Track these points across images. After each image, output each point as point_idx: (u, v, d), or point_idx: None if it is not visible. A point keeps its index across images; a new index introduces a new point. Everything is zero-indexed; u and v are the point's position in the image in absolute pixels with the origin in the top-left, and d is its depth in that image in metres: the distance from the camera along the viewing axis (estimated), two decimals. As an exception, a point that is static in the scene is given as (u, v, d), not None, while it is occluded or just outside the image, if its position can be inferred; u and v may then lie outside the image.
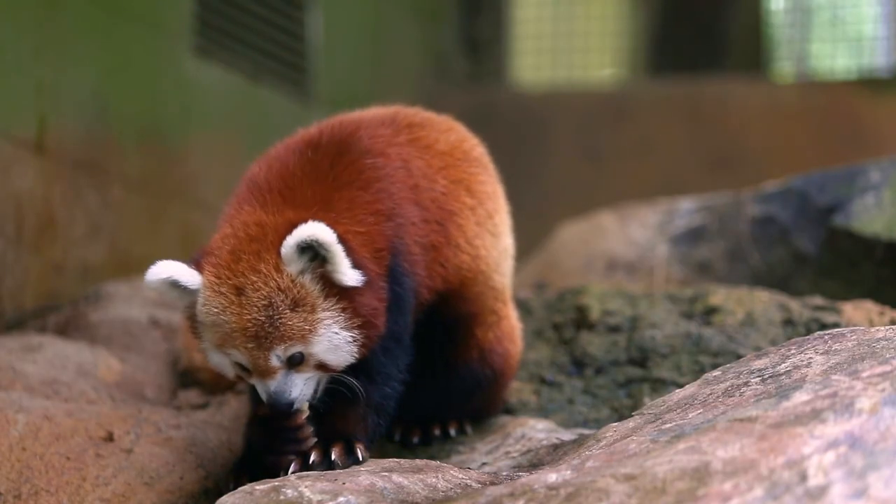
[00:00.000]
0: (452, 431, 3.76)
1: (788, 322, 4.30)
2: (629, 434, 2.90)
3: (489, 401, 3.85)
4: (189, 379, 4.31)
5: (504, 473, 3.26)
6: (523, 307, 4.52)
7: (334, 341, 3.14)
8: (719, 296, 4.45)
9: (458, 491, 2.96)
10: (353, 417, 3.29)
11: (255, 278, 3.12)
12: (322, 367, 3.15)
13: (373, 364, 3.30)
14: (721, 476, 2.38)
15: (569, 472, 2.66)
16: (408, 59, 8.86)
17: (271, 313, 3.10)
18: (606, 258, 5.95)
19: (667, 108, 8.82)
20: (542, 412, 4.09)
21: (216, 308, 3.13)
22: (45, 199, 5.27)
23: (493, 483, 3.03)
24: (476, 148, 3.76)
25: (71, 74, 5.46)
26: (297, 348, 3.11)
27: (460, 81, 9.38)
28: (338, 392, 3.28)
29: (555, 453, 3.41)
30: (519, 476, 3.06)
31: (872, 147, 7.65)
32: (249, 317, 3.10)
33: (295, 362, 3.13)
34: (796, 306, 4.36)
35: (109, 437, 3.55)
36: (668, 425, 2.80)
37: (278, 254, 3.11)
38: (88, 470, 3.46)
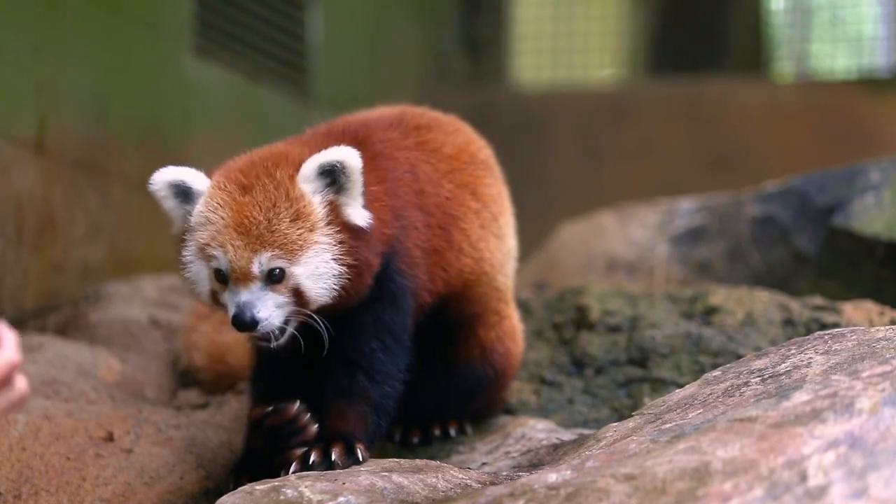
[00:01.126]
0: (452, 431, 3.76)
1: (788, 322, 4.30)
2: (629, 434, 2.90)
3: (490, 400, 3.85)
4: (189, 379, 4.31)
5: (504, 473, 3.26)
6: (523, 307, 4.52)
7: (320, 269, 3.11)
8: (719, 296, 4.44)
9: (458, 491, 2.96)
10: (353, 417, 3.29)
11: (266, 180, 3.13)
12: (298, 294, 3.10)
13: (373, 363, 3.31)
14: (721, 476, 2.38)
15: (569, 472, 2.66)
16: (408, 59, 8.85)
17: (271, 216, 3.09)
18: (606, 258, 5.95)
19: (667, 108, 8.82)
20: (542, 412, 4.09)
21: (217, 203, 3.13)
22: (45, 199, 5.27)
23: (493, 483, 3.03)
24: (483, 150, 3.76)
25: (71, 74, 5.46)
26: (281, 262, 3.08)
27: (460, 81, 9.38)
28: (337, 392, 3.28)
29: (555, 453, 3.41)
30: (519, 476, 3.06)
31: (872, 147, 7.65)
32: (248, 213, 3.09)
33: (274, 279, 3.08)
34: (796, 306, 4.36)
35: (109, 437, 3.55)
36: (668, 425, 2.80)
37: (297, 169, 3.13)
38: (88, 470, 3.46)
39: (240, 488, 2.91)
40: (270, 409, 3.23)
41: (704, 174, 8.41)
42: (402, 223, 3.35)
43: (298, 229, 3.10)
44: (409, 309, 3.38)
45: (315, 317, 3.13)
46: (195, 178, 3.20)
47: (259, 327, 3.07)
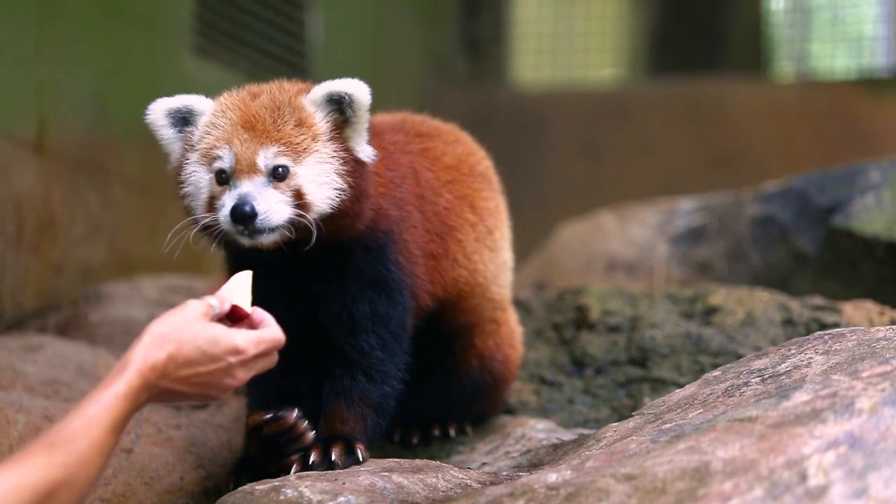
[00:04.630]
0: (452, 432, 3.77)
1: (788, 322, 4.30)
2: (629, 434, 2.90)
3: (490, 404, 3.86)
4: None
5: (504, 473, 3.26)
6: (523, 307, 4.52)
7: (322, 176, 3.12)
8: (719, 296, 4.45)
9: (458, 491, 2.96)
10: (353, 418, 3.28)
11: (275, 88, 3.19)
12: (299, 196, 3.09)
13: (372, 362, 3.30)
14: (721, 476, 2.38)
15: (569, 472, 2.66)
16: (408, 59, 8.86)
17: (276, 117, 3.12)
18: (606, 258, 5.95)
19: (667, 107, 8.83)
20: (542, 412, 4.09)
21: (224, 107, 3.17)
22: (45, 199, 5.27)
23: (493, 483, 3.03)
24: (482, 162, 3.77)
25: (71, 74, 5.46)
26: (285, 159, 3.09)
27: (460, 81, 9.38)
28: (337, 393, 3.28)
29: (555, 453, 3.41)
30: (519, 476, 3.06)
31: (872, 147, 7.65)
32: (255, 111, 3.13)
33: (278, 176, 3.09)
34: (796, 306, 4.36)
35: (109, 437, 3.54)
36: (668, 425, 2.80)
37: (306, 92, 3.18)
38: (88, 470, 3.45)
39: (240, 488, 2.91)
40: (269, 416, 3.20)
41: (704, 174, 8.41)
42: (402, 214, 3.36)
43: (302, 134, 3.13)
44: (408, 306, 3.37)
45: (310, 219, 3.09)
46: (198, 100, 3.22)
47: (257, 220, 3.04)
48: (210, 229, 3.14)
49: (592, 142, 8.83)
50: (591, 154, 8.82)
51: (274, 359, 2.86)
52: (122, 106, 5.77)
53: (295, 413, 3.20)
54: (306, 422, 3.20)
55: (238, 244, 3.13)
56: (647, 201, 6.34)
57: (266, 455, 3.22)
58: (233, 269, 3.26)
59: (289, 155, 3.10)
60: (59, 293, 5.30)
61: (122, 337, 4.58)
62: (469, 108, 8.61)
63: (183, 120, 3.22)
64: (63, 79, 5.40)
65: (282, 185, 3.09)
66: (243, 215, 3.03)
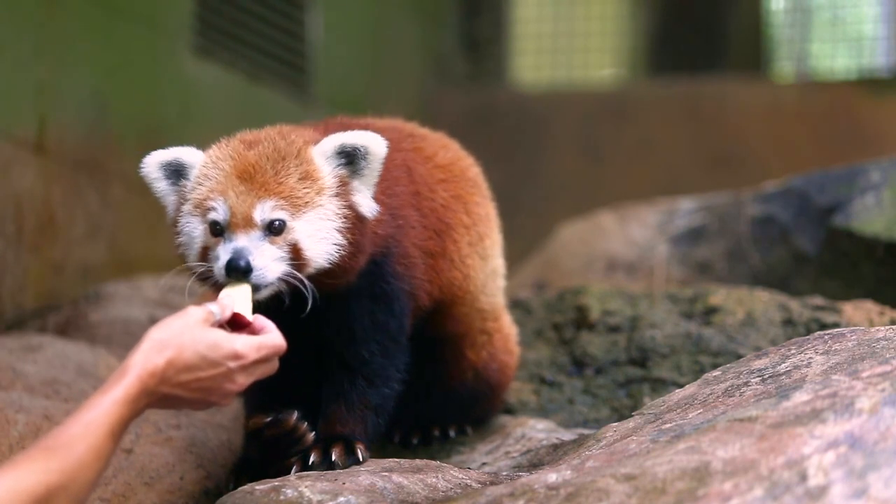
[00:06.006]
0: (452, 433, 3.76)
1: (788, 322, 4.30)
2: (629, 434, 2.90)
3: (488, 408, 3.86)
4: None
5: (504, 473, 3.26)
6: (523, 307, 4.52)
7: (321, 232, 3.05)
8: (719, 296, 4.45)
9: (458, 491, 2.96)
10: (353, 419, 3.28)
11: (277, 139, 3.10)
12: (296, 252, 3.03)
13: (373, 367, 3.29)
14: (721, 476, 2.38)
15: (569, 472, 2.66)
16: (408, 59, 8.85)
17: (279, 168, 3.04)
18: (606, 258, 5.95)
19: (667, 107, 8.82)
20: (542, 412, 4.09)
21: (218, 157, 3.09)
22: (45, 199, 5.27)
23: (493, 483, 3.03)
24: (472, 168, 3.73)
25: (71, 74, 5.46)
26: (284, 214, 3.01)
27: (460, 82, 9.37)
28: (336, 396, 3.27)
29: (555, 453, 3.41)
30: (519, 476, 3.06)
31: (872, 147, 7.65)
32: (254, 162, 3.05)
33: (274, 230, 3.01)
34: (796, 306, 4.36)
35: (109, 437, 3.54)
36: (668, 425, 2.80)
37: (314, 142, 3.10)
38: (88, 470, 3.45)
39: (240, 488, 2.91)
40: (269, 420, 3.17)
41: (704, 174, 8.41)
42: (398, 223, 3.32)
43: (305, 188, 3.05)
44: (406, 311, 3.35)
45: (306, 283, 3.03)
46: (188, 153, 3.16)
47: (252, 275, 2.97)
48: (205, 277, 3.09)
49: (592, 142, 8.83)
50: (591, 154, 8.81)
51: (275, 365, 2.85)
52: (122, 106, 5.78)
53: (295, 415, 3.17)
54: (306, 423, 3.19)
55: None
56: (647, 201, 6.34)
57: (266, 457, 3.21)
58: None
59: (287, 209, 3.02)
60: (59, 293, 5.30)
61: (122, 337, 4.58)
62: (469, 108, 8.61)
63: (176, 173, 3.16)
64: (63, 79, 5.40)
65: (278, 239, 3.02)
66: (237, 269, 2.96)
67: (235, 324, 2.86)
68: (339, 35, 7.74)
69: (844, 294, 4.73)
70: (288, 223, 3.02)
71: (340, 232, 3.08)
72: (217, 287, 3.04)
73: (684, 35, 10.23)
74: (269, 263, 3.00)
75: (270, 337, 2.83)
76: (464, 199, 3.61)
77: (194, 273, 3.10)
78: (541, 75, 10.00)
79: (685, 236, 5.81)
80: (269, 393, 3.27)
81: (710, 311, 4.38)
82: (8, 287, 5.05)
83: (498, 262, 3.78)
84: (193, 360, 2.68)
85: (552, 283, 5.76)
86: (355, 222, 3.11)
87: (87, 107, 5.58)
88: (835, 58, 10.06)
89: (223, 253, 3.00)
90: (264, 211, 3.01)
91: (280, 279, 3.02)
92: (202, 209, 3.06)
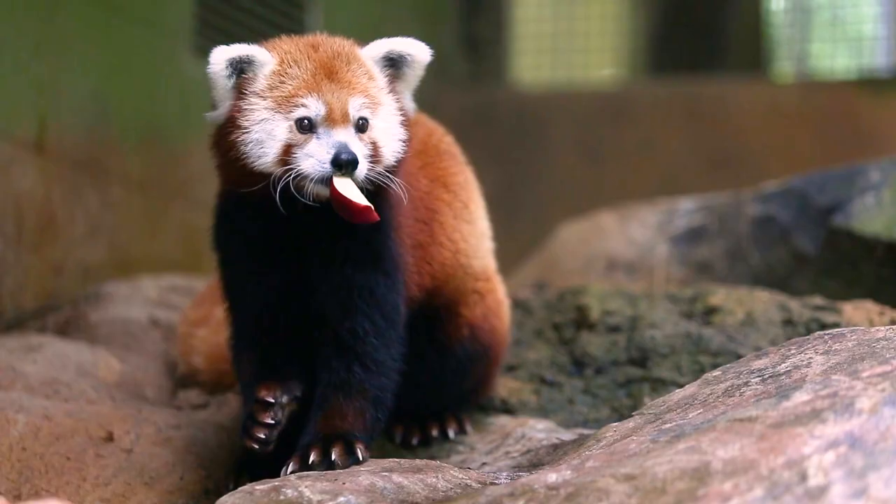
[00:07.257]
0: (451, 433, 3.76)
1: (788, 322, 4.30)
2: (629, 434, 2.90)
3: (482, 379, 3.85)
4: (187, 383, 4.30)
5: (504, 473, 3.26)
6: (523, 307, 4.52)
7: (392, 129, 3.19)
8: (719, 296, 4.45)
9: (458, 491, 2.96)
10: (352, 413, 3.27)
11: (334, 44, 3.21)
12: (374, 147, 3.14)
13: (366, 349, 3.28)
14: (721, 476, 2.38)
15: (569, 472, 2.66)
16: (407, 59, 8.83)
17: (353, 68, 3.17)
18: (606, 258, 5.95)
19: (667, 108, 8.82)
20: (542, 412, 4.09)
21: (295, 58, 3.16)
22: (45, 199, 5.27)
23: (493, 483, 3.03)
24: (444, 138, 3.79)
25: (71, 74, 5.46)
26: (367, 111, 3.14)
27: (460, 81, 9.37)
28: (333, 385, 3.27)
29: (555, 453, 3.41)
30: (519, 476, 3.06)
31: (872, 147, 7.65)
32: (332, 63, 3.15)
33: (360, 127, 3.13)
34: (796, 306, 4.36)
35: (109, 437, 3.55)
36: (668, 425, 2.80)
37: (360, 47, 3.23)
38: (88, 470, 3.46)
39: (240, 488, 2.91)
40: (271, 421, 3.23)
41: (704, 174, 8.41)
42: (398, 198, 3.33)
43: (374, 87, 3.18)
44: (401, 291, 3.36)
45: (392, 178, 3.14)
46: (259, 51, 3.21)
47: (357, 169, 3.06)
48: (272, 180, 3.09)
49: (592, 142, 8.83)
50: (591, 154, 8.81)
51: None
52: (122, 106, 5.77)
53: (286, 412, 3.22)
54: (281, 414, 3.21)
55: (295, 200, 3.08)
56: (647, 201, 6.34)
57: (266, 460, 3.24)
58: (228, 261, 3.27)
59: (370, 107, 3.15)
60: (59, 293, 5.30)
61: (122, 337, 4.58)
62: (469, 108, 8.61)
63: (240, 70, 3.22)
64: (63, 79, 5.40)
65: (364, 136, 3.13)
66: (347, 163, 3.04)
67: (351, 212, 2.97)
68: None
69: (844, 294, 4.73)
70: (370, 121, 3.15)
71: (403, 127, 3.22)
72: (299, 185, 3.06)
73: (684, 35, 10.24)
74: (363, 159, 3.10)
75: None
76: (442, 178, 3.66)
77: (262, 173, 3.10)
78: (541, 75, 10.00)
79: (685, 236, 5.81)
80: (267, 366, 3.30)
81: (710, 311, 4.38)
82: (8, 287, 5.05)
83: (484, 224, 3.82)
84: None
85: (552, 283, 5.76)
86: (406, 119, 3.24)
87: (87, 107, 5.58)
88: (835, 58, 10.06)
89: (322, 148, 3.07)
90: (356, 107, 3.13)
91: (365, 177, 3.11)
92: (288, 106, 3.12)
